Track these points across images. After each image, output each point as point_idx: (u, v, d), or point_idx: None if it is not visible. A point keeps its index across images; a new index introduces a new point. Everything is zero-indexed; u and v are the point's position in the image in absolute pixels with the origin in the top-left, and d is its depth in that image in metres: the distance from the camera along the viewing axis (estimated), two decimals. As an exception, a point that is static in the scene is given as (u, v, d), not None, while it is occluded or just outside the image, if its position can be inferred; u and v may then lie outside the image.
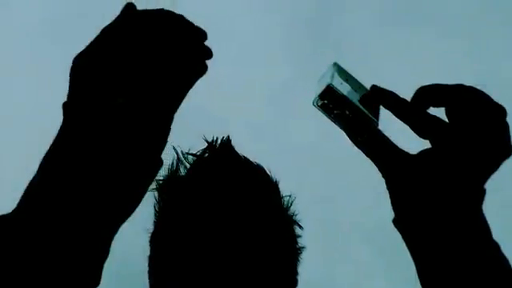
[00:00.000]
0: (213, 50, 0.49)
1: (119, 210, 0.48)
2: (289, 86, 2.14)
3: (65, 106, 0.48)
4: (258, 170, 0.71)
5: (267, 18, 2.39)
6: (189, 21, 0.48)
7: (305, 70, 2.15)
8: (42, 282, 0.43)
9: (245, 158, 0.71)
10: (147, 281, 0.69)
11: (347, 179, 2.14)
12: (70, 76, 0.48)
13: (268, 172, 0.72)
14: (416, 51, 2.42)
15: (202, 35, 0.49)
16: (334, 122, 0.49)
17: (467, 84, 0.46)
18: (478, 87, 0.45)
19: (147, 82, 0.47)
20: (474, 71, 2.34)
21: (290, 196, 0.72)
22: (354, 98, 0.48)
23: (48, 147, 0.47)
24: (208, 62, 0.49)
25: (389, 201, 0.47)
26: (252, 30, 2.34)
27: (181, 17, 0.48)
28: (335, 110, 0.48)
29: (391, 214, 0.46)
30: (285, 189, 0.72)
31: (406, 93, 0.47)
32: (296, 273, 0.69)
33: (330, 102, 0.48)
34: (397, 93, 0.47)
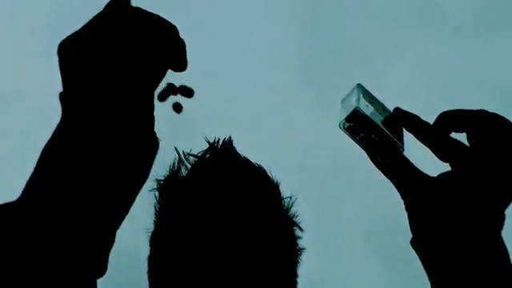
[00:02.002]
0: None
1: (123, 195, 0.49)
2: (291, 86, 2.14)
3: (62, 96, 0.48)
4: (259, 171, 0.71)
5: (271, 18, 2.39)
6: (171, 23, 0.50)
7: (308, 69, 2.15)
8: (47, 269, 0.44)
9: (246, 159, 0.71)
10: (147, 281, 0.69)
11: (347, 180, 2.14)
12: (63, 63, 0.48)
13: (269, 173, 0.72)
14: (418, 51, 2.42)
15: (182, 45, 0.50)
16: (359, 144, 0.50)
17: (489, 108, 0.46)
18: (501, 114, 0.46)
19: (134, 72, 0.48)
20: (475, 71, 2.34)
21: (290, 197, 0.72)
22: (378, 120, 0.48)
23: (50, 137, 0.48)
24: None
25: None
26: (254, 31, 2.34)
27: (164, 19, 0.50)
28: (361, 132, 0.48)
29: (409, 235, 0.47)
30: (285, 190, 0.73)
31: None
32: (296, 274, 0.69)
33: (357, 125, 0.48)
34: (419, 115, 0.48)
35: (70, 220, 0.45)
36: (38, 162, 0.47)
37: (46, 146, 0.48)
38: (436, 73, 2.39)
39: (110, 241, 0.49)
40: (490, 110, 0.47)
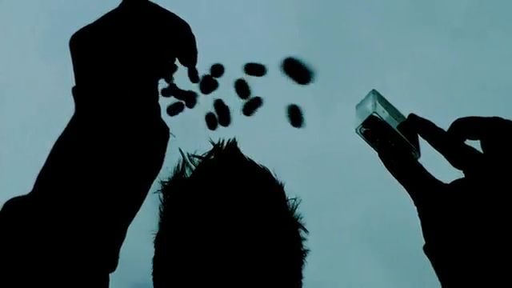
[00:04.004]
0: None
1: (136, 187, 0.49)
2: (292, 87, 2.14)
3: (75, 90, 0.49)
4: (264, 172, 0.71)
5: (272, 17, 2.39)
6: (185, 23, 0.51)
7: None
8: (59, 261, 0.44)
9: (250, 160, 0.71)
10: (151, 282, 0.69)
11: (348, 181, 2.14)
12: (76, 56, 0.48)
13: (273, 175, 0.72)
14: (420, 52, 2.41)
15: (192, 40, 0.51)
16: (375, 149, 0.50)
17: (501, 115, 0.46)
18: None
19: (144, 64, 0.49)
20: (477, 73, 2.33)
21: (295, 199, 0.72)
22: (394, 125, 0.49)
23: (63, 130, 0.48)
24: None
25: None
26: (256, 30, 2.34)
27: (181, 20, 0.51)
28: (377, 137, 0.49)
29: (422, 241, 0.46)
30: (290, 192, 0.72)
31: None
32: (300, 276, 0.69)
33: (373, 130, 0.49)
34: (434, 122, 0.48)
35: (82, 213, 0.45)
36: (50, 155, 0.47)
37: (59, 139, 0.48)
38: (438, 74, 2.39)
39: (121, 234, 0.49)
40: (488, 114, 0.47)
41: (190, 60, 0.52)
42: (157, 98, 0.52)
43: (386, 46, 2.44)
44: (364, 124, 0.49)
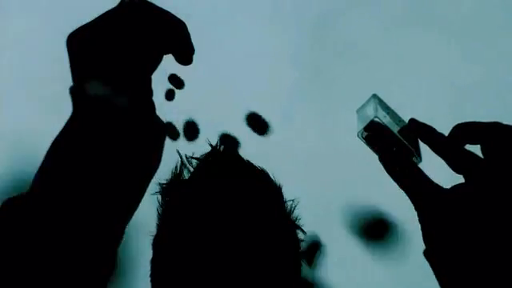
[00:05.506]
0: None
1: (134, 186, 0.49)
2: (293, 89, 2.14)
3: (72, 90, 0.48)
4: (262, 174, 0.71)
5: (272, 20, 2.39)
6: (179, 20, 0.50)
7: (309, 72, 2.15)
8: (56, 264, 0.44)
9: (248, 162, 0.71)
10: (149, 284, 0.69)
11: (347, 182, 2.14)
12: (72, 54, 0.48)
13: (271, 176, 0.72)
14: (421, 53, 2.42)
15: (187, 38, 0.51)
16: (376, 153, 0.50)
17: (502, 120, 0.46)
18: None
19: (139, 62, 0.49)
20: (476, 73, 2.34)
21: (293, 201, 0.72)
22: (395, 130, 0.49)
23: (61, 130, 0.48)
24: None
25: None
26: (256, 33, 2.35)
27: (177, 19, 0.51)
28: (379, 142, 0.49)
29: (422, 246, 0.47)
30: (288, 193, 0.73)
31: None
32: (299, 277, 0.69)
33: (375, 135, 0.49)
34: (434, 126, 0.48)
35: (80, 212, 0.45)
36: (48, 155, 0.47)
37: (57, 138, 0.47)
38: (438, 77, 2.39)
39: (119, 234, 0.49)
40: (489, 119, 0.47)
41: (185, 59, 0.52)
42: (151, 95, 0.52)
43: (386, 48, 2.44)
44: (365, 128, 0.49)
